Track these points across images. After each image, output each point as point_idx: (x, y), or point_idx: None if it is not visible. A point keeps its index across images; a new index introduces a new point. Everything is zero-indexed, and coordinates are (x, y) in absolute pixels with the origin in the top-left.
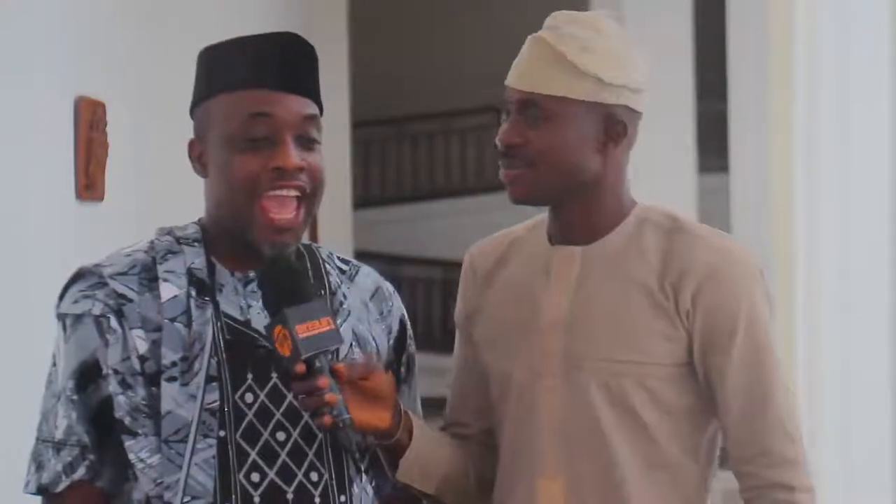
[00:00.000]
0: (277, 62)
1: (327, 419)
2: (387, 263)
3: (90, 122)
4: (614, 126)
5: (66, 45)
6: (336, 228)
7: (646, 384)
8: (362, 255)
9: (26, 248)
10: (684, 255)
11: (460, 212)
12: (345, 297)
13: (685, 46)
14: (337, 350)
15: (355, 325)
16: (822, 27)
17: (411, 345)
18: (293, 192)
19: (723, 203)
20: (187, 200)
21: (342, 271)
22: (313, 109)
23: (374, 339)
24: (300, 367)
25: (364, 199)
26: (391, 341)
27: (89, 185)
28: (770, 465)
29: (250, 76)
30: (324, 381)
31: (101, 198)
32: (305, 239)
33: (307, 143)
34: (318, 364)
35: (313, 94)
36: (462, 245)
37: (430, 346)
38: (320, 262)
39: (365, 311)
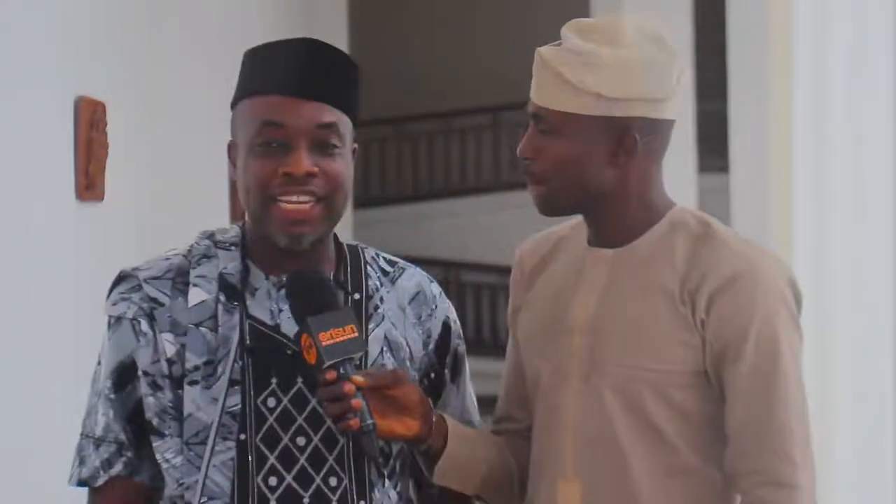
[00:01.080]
0: (294, 69)
1: (354, 422)
2: None
3: (90, 122)
4: (624, 139)
5: (66, 45)
6: (336, 228)
7: (663, 391)
8: None
9: (26, 248)
10: (706, 262)
11: (460, 212)
12: (381, 300)
13: (685, 46)
14: (366, 354)
15: (389, 329)
16: (822, 26)
17: (459, 345)
18: (304, 198)
19: (723, 203)
20: (187, 200)
21: (385, 273)
22: (332, 117)
23: (408, 344)
24: (330, 375)
25: (364, 199)
26: (431, 345)
27: (89, 185)
28: (762, 484)
29: (267, 82)
30: (349, 387)
31: (101, 198)
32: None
33: (325, 150)
34: (342, 371)
35: (336, 100)
36: (462, 245)
37: None
38: (362, 263)
39: (401, 316)
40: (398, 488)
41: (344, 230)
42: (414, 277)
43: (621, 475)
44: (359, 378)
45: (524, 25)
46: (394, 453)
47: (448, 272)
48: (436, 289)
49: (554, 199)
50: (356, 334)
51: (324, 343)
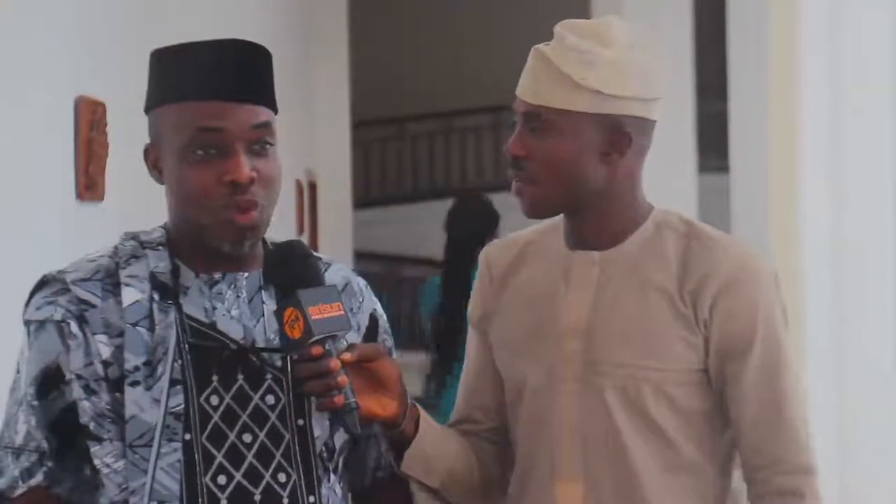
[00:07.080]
0: (227, 72)
1: (339, 399)
2: (386, 263)
3: (90, 122)
4: (618, 137)
5: (66, 45)
6: (336, 228)
7: (664, 389)
8: (362, 255)
9: (26, 249)
10: (703, 262)
11: None
12: None
13: (685, 46)
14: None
15: None
16: (822, 26)
17: (387, 339)
18: (250, 209)
19: (723, 203)
20: None
21: None
22: (265, 117)
23: (345, 336)
24: (317, 350)
25: (364, 199)
26: (360, 339)
27: (89, 185)
28: (782, 473)
29: (200, 87)
30: (335, 363)
31: (101, 198)
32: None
33: (259, 150)
34: (327, 347)
35: (265, 99)
36: None
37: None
38: None
39: None
40: (342, 484)
41: (344, 230)
42: (341, 271)
43: (624, 473)
44: (346, 354)
45: (524, 26)
46: (337, 449)
47: None
48: (362, 282)
49: (546, 199)
50: (343, 312)
51: (313, 317)
